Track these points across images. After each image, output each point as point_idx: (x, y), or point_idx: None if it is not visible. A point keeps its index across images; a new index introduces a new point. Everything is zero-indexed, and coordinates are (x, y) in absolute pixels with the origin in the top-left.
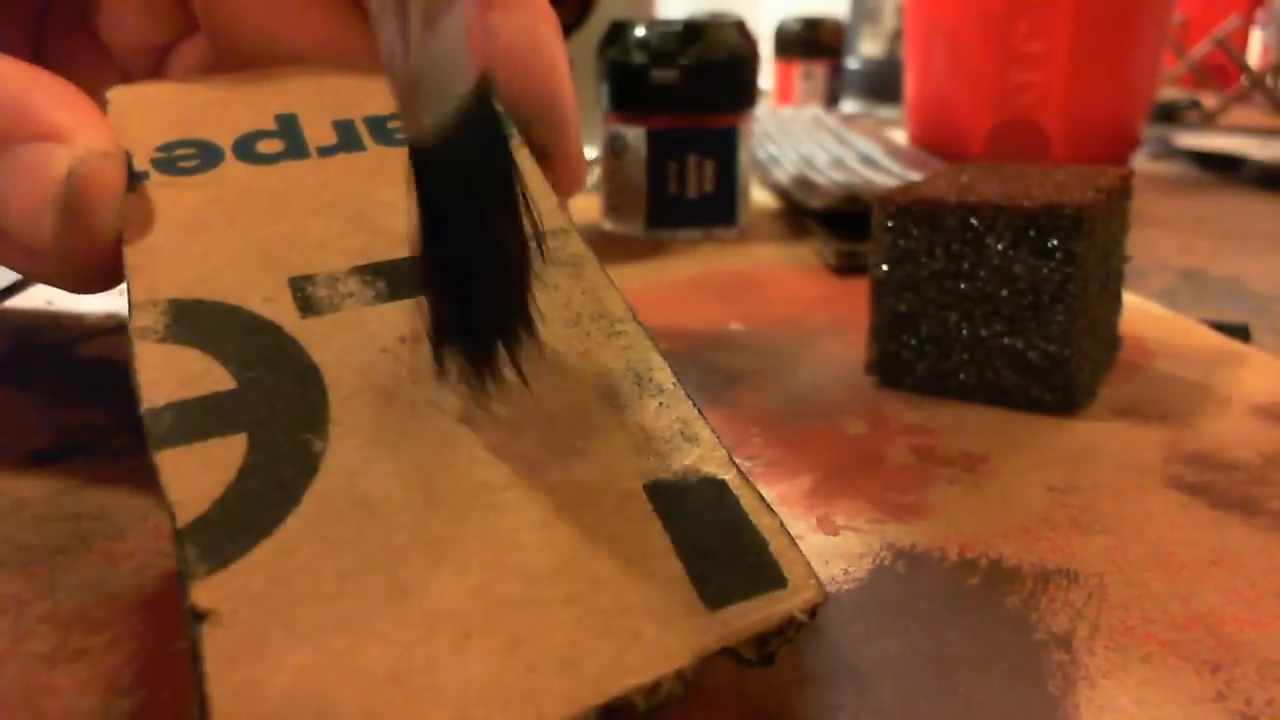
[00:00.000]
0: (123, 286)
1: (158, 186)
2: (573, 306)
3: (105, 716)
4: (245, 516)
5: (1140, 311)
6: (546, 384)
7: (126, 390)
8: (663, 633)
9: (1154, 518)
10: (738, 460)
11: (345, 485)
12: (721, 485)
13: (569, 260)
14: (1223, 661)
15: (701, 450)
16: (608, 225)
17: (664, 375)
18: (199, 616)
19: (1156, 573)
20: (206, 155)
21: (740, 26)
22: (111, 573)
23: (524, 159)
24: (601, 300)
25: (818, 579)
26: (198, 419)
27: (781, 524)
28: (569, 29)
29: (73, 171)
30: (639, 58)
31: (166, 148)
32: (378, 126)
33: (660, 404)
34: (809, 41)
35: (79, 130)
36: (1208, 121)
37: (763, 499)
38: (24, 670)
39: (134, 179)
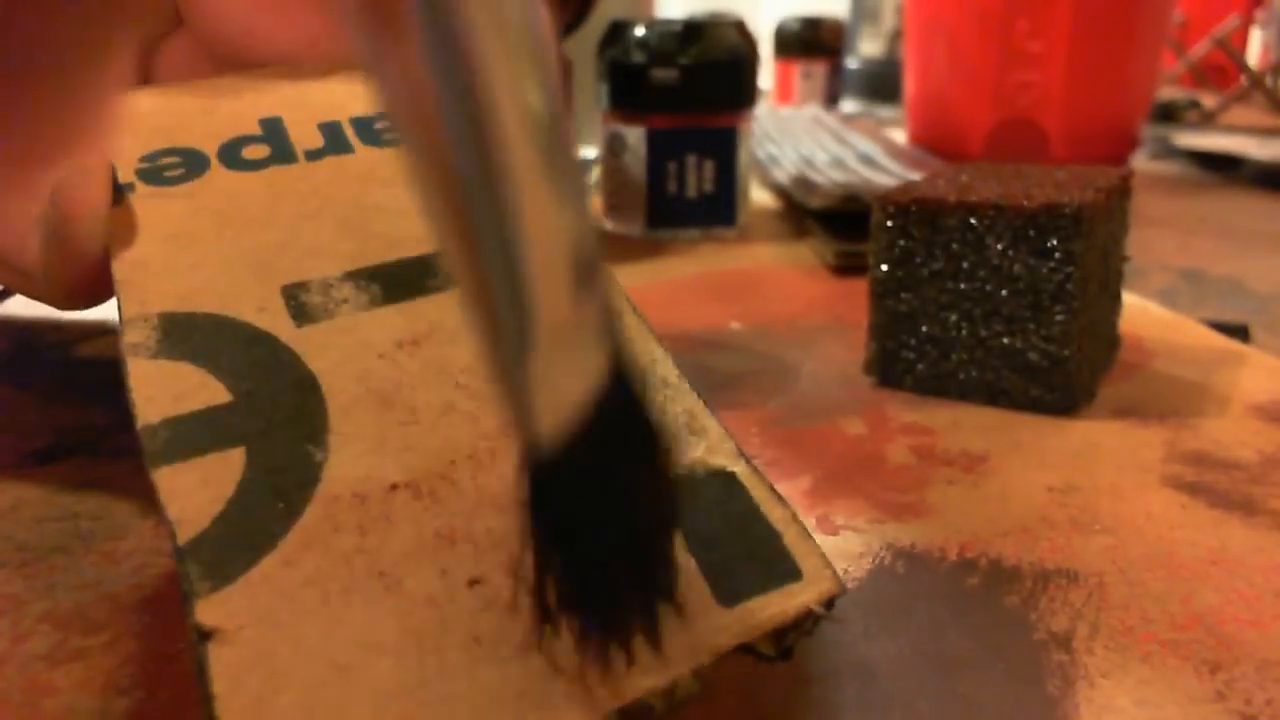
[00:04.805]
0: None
1: (144, 198)
2: None
3: (104, 716)
4: (247, 531)
5: (1140, 311)
6: None
7: (125, 391)
8: (677, 632)
9: (1154, 518)
10: None
11: (348, 495)
12: (731, 477)
13: None
14: (1222, 661)
15: (709, 442)
16: (608, 225)
17: (667, 368)
18: (204, 635)
19: (1156, 573)
20: (192, 164)
21: (740, 26)
22: (111, 572)
23: None
24: None
25: (833, 569)
26: (194, 434)
27: (795, 514)
28: (569, 29)
29: (56, 189)
30: (639, 57)
31: (151, 158)
32: (364, 127)
33: (665, 397)
34: (809, 41)
35: None
36: (1207, 121)
37: (774, 490)
38: (24, 670)
39: (119, 192)
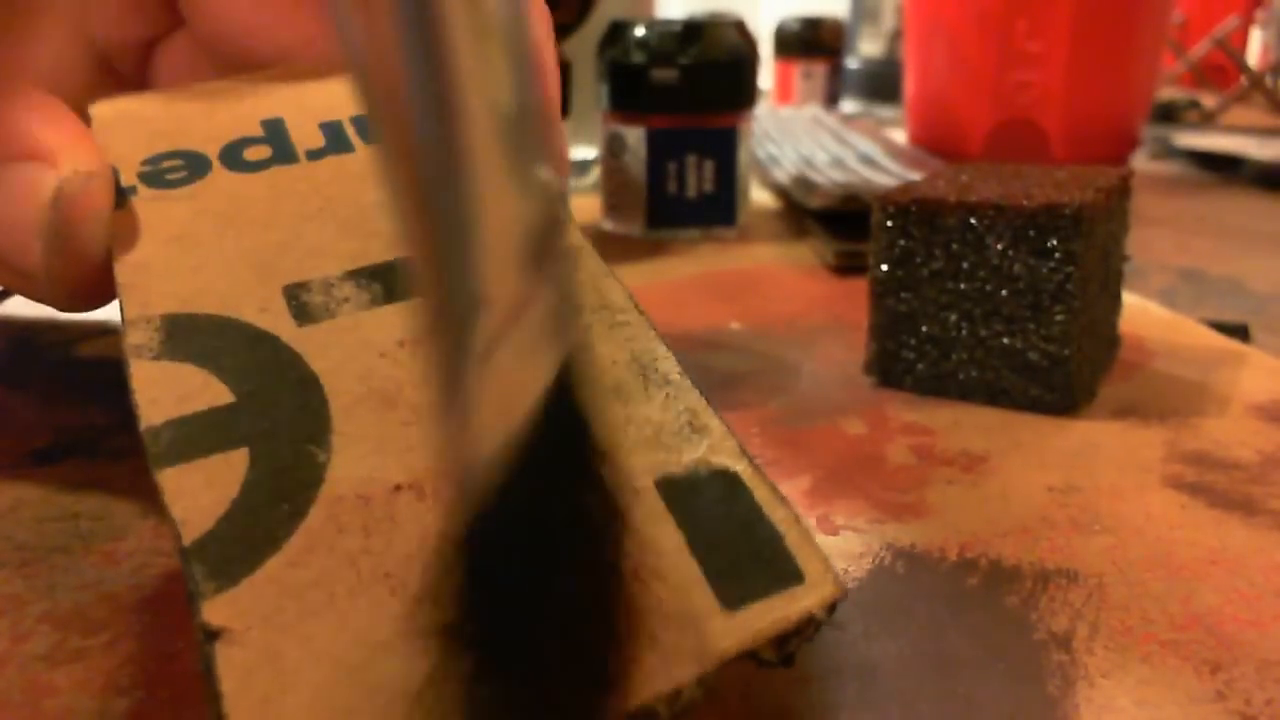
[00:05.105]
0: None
1: (146, 201)
2: None
3: (104, 716)
4: (252, 532)
5: (1140, 311)
6: None
7: (125, 390)
8: (681, 637)
9: (1154, 518)
10: None
11: (351, 496)
12: (734, 477)
13: None
14: (1222, 661)
15: (711, 441)
16: (607, 225)
17: (669, 365)
18: (211, 635)
19: (1156, 573)
20: (194, 166)
21: (740, 26)
22: (111, 573)
23: None
24: (602, 291)
25: (835, 573)
26: (198, 435)
27: (797, 515)
28: (568, 29)
29: (58, 193)
30: (639, 58)
31: (153, 160)
32: (365, 126)
33: (667, 395)
34: (809, 41)
35: (64, 150)
36: (1207, 121)
37: (776, 490)
38: (24, 670)
39: (121, 195)
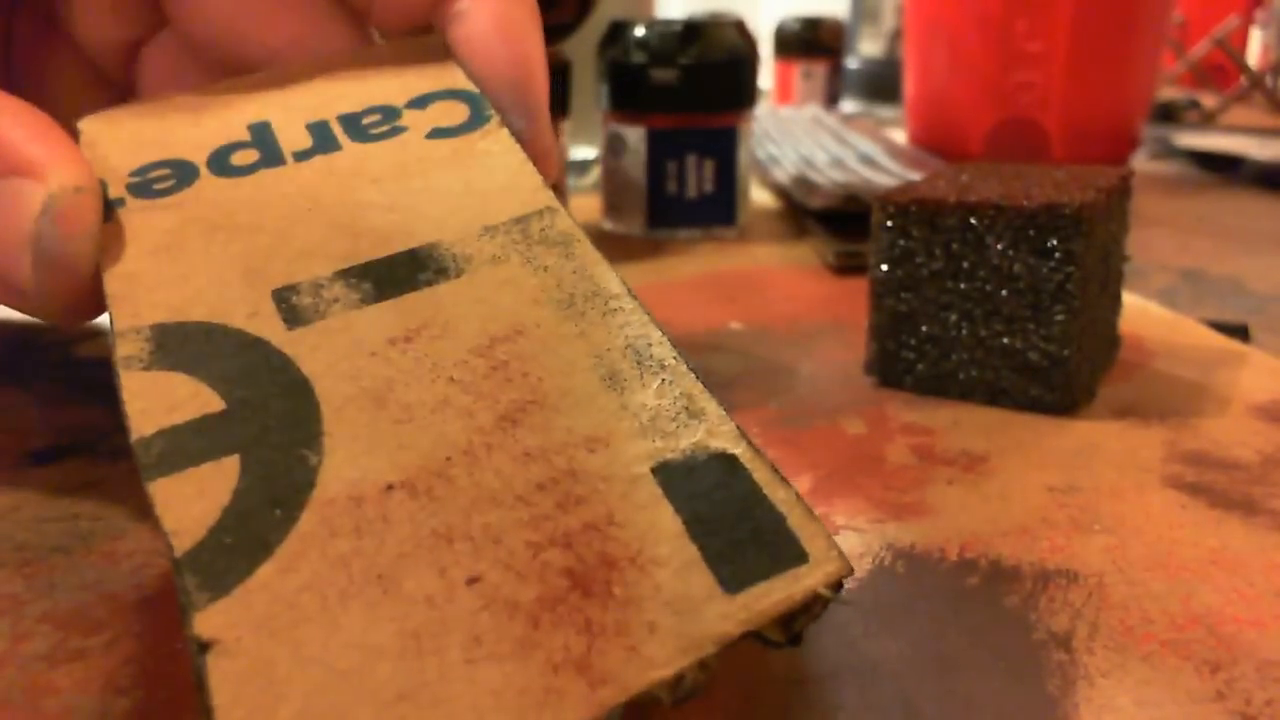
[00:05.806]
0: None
1: (134, 212)
2: (565, 287)
3: (104, 716)
4: (244, 540)
5: (1140, 311)
6: (546, 370)
7: (119, 404)
8: (680, 622)
9: (1154, 518)
10: None
11: (343, 498)
12: (732, 460)
13: (558, 239)
14: (1222, 661)
15: (708, 425)
16: (608, 225)
17: (664, 350)
18: (203, 647)
19: (1156, 573)
20: (181, 174)
21: (740, 26)
22: (111, 572)
23: (505, 139)
24: (594, 278)
25: (840, 550)
26: (188, 444)
27: (798, 495)
28: (568, 29)
29: (47, 209)
30: (639, 58)
31: (141, 171)
32: (352, 124)
33: (663, 381)
34: (809, 41)
35: (52, 165)
36: (1207, 121)
37: (777, 471)
38: (24, 670)
39: (109, 207)
